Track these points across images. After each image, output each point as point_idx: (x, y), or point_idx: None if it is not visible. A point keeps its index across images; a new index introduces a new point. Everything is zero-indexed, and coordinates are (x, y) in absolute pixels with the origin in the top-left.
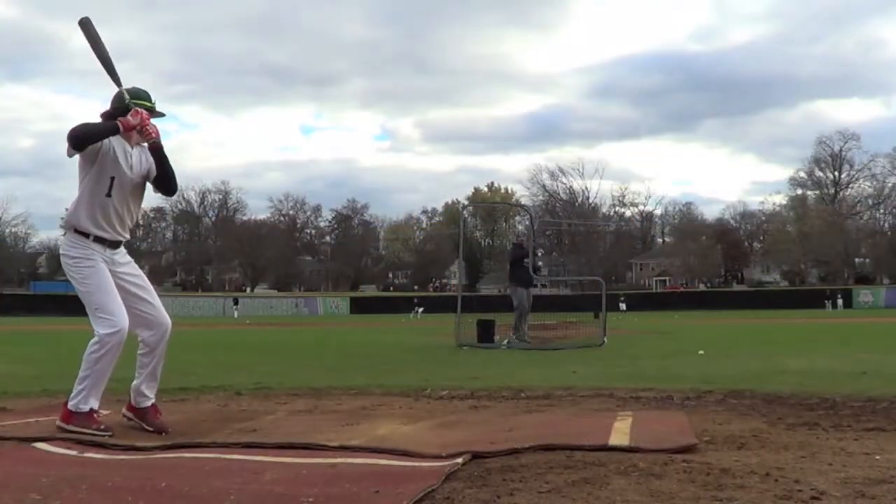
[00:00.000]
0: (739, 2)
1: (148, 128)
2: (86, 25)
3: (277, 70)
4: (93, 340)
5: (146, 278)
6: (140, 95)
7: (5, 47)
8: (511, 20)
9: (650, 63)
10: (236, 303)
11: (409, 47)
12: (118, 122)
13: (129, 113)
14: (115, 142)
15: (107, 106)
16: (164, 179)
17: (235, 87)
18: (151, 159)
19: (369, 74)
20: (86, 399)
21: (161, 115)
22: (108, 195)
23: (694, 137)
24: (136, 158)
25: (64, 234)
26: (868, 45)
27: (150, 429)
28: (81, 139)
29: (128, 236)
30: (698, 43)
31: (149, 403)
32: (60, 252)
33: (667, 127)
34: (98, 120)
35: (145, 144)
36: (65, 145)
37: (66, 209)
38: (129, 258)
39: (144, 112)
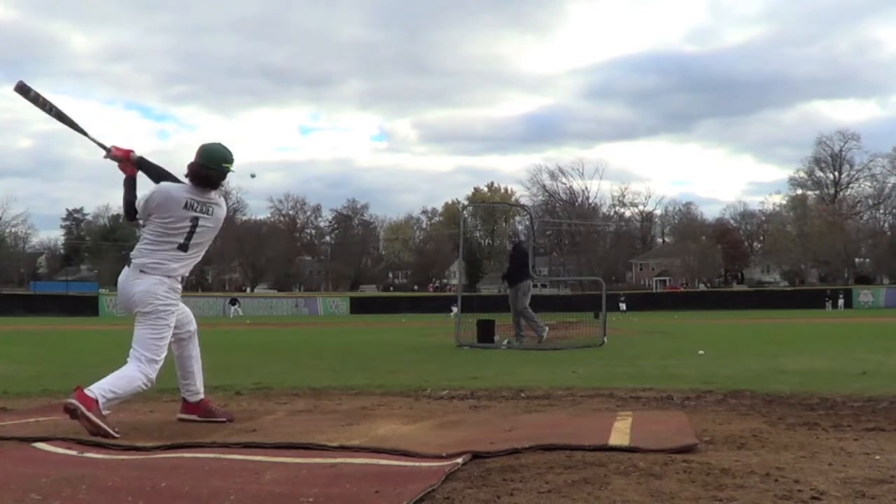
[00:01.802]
0: (734, 3)
1: (117, 155)
2: (23, 90)
3: (275, 71)
4: (142, 378)
5: None
6: (227, 159)
7: (5, 48)
8: (508, 22)
9: (646, 64)
10: (233, 303)
11: (407, 48)
12: (126, 177)
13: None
14: (189, 193)
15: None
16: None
17: (234, 89)
18: (224, 208)
19: (367, 75)
20: (108, 408)
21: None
22: (184, 246)
23: (691, 138)
24: (213, 207)
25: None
26: (863, 45)
27: (222, 419)
28: (130, 214)
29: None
30: (694, 44)
31: (200, 397)
32: (147, 289)
33: (664, 127)
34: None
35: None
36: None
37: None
38: None
39: (115, 147)
